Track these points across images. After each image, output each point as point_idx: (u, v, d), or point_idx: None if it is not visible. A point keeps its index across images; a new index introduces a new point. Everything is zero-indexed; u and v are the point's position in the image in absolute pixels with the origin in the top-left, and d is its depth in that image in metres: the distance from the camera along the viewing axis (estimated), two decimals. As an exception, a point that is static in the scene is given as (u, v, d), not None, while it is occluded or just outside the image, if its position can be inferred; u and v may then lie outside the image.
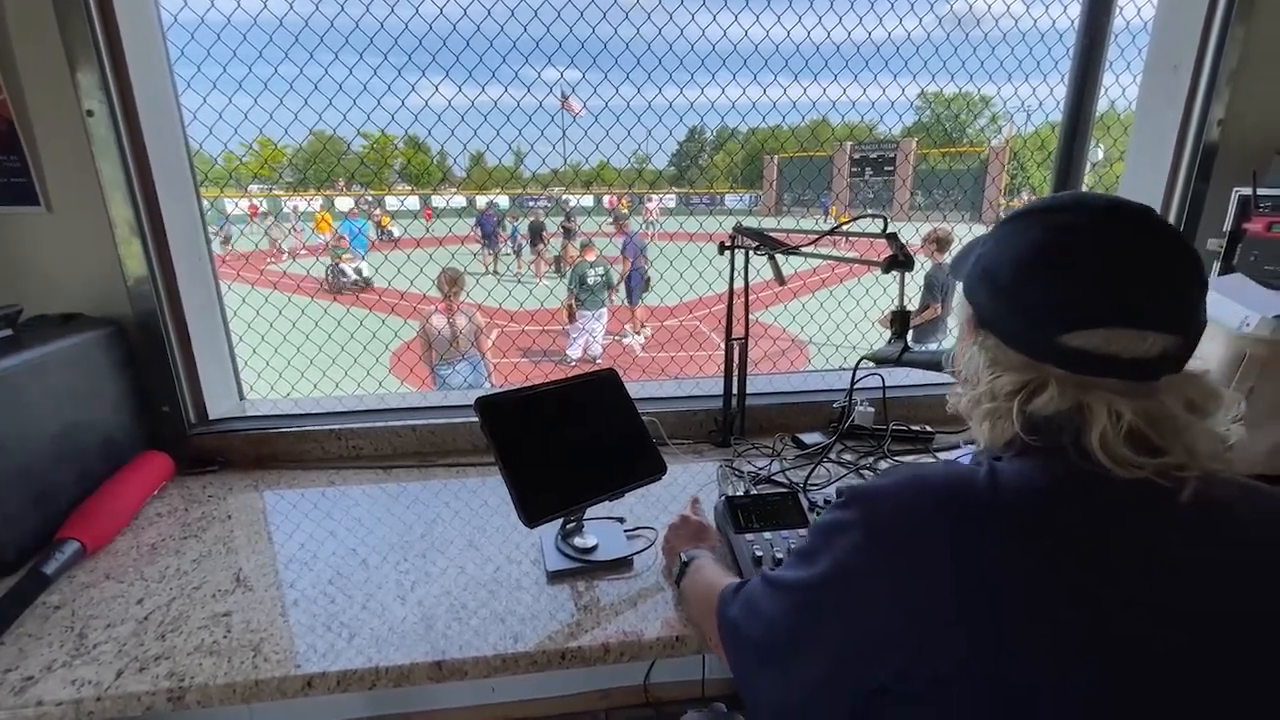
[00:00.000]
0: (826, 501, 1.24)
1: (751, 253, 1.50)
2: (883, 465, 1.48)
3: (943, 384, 1.56)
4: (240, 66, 1.98)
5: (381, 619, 0.98)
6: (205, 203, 1.68)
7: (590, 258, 6.66)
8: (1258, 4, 1.46)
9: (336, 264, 10.35)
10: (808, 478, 1.37)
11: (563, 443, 1.11)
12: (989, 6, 2.21)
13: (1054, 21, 2.18)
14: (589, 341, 6.98)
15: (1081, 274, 0.57)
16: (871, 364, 1.20)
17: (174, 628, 0.96)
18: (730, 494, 1.19)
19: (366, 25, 2.00)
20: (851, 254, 1.50)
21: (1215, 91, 1.53)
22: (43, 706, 0.82)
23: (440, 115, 2.30)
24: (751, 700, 0.69)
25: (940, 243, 5.06)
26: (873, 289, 2.90)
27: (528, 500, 1.00)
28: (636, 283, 7.48)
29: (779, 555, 1.03)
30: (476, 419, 1.05)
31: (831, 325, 3.19)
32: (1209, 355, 1.14)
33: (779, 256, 1.44)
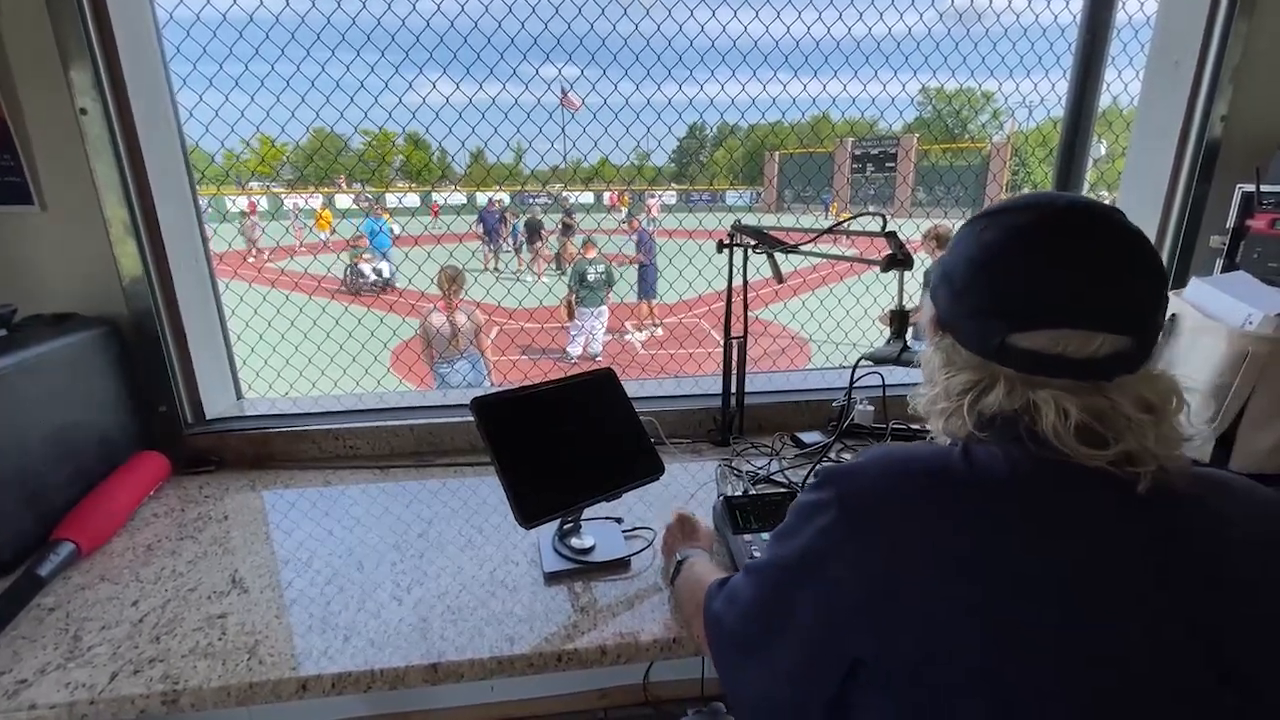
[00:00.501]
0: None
1: (750, 251, 1.49)
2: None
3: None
4: (237, 64, 1.97)
5: (378, 620, 0.97)
6: (203, 200, 1.67)
7: (590, 255, 6.65)
8: (1261, -1, 1.45)
9: (355, 264, 9.95)
10: (806, 477, 1.36)
11: (560, 443, 1.10)
12: (990, 1, 2.20)
13: (1055, 16, 2.17)
14: (589, 340, 6.98)
15: (1028, 275, 0.57)
16: (870, 363, 1.19)
17: (169, 630, 0.95)
18: (729, 494, 1.18)
19: (364, 22, 1.99)
20: (851, 251, 1.49)
21: (1218, 87, 1.51)
22: (36, 710, 0.82)
23: (438, 112, 2.29)
24: (733, 694, 0.68)
25: (940, 240, 5.04)
26: (873, 286, 2.89)
27: (523, 501, 1.00)
28: (652, 278, 7.44)
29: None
30: (473, 419, 1.05)
31: (831, 323, 3.18)
32: (1210, 355, 1.12)
33: (778, 255, 1.43)
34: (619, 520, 1.22)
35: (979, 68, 2.42)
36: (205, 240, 1.62)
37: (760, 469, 1.45)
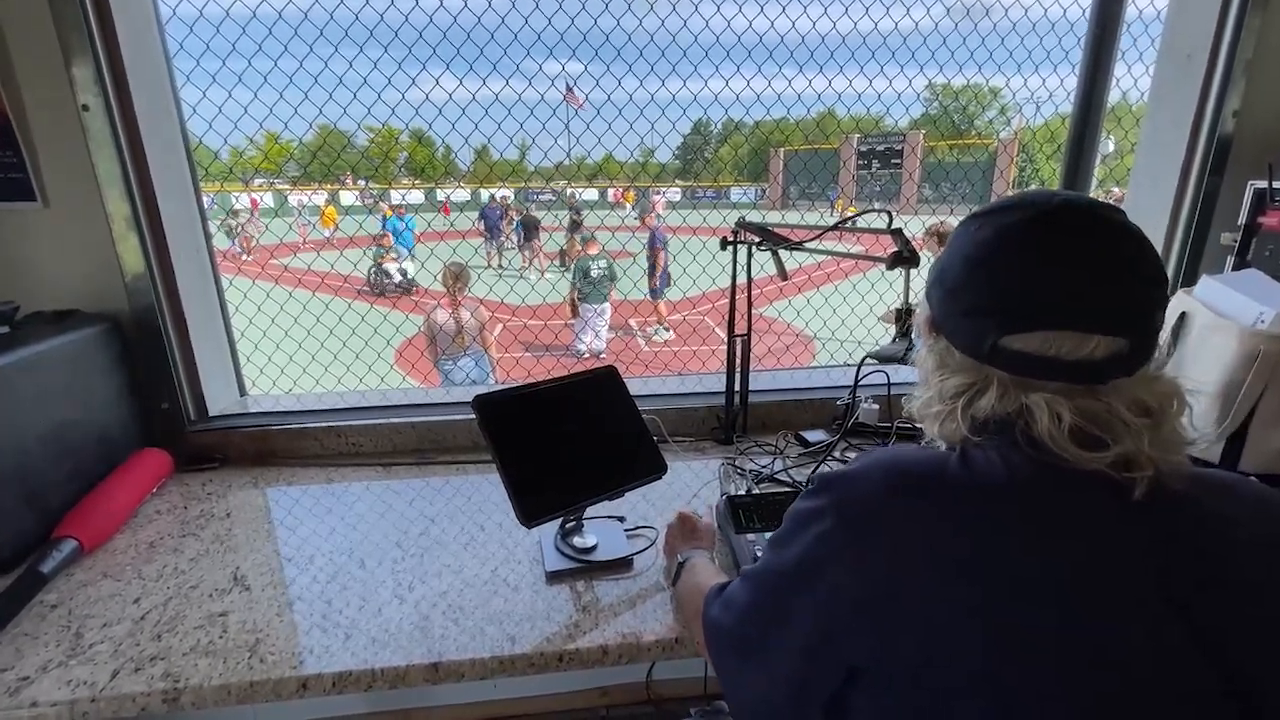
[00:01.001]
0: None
1: (755, 248, 1.47)
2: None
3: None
4: (240, 60, 1.96)
5: (379, 619, 0.97)
6: (207, 198, 1.67)
7: (593, 251, 6.66)
8: (1275, -9, 1.43)
9: (379, 264, 9.58)
10: (811, 476, 1.35)
11: (561, 441, 1.09)
12: (998, -4, 2.17)
13: (1065, 11, 2.14)
14: (593, 337, 6.98)
15: (1022, 274, 0.56)
16: (876, 362, 1.18)
17: (170, 628, 0.95)
18: (732, 493, 1.17)
19: (367, 18, 1.98)
20: (856, 249, 1.48)
21: (1230, 82, 1.49)
22: (37, 708, 0.82)
23: (441, 109, 2.28)
24: (733, 699, 0.68)
25: (942, 237, 5.02)
26: (879, 284, 2.87)
27: (525, 500, 0.99)
28: (662, 277, 7.37)
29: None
30: (474, 417, 1.04)
31: (836, 321, 3.17)
32: (1221, 354, 1.11)
33: (782, 252, 1.42)
34: (621, 519, 1.22)
35: (986, 63, 2.40)
36: (208, 236, 1.62)
37: (764, 468, 1.44)
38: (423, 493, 1.37)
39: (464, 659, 0.89)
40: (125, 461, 1.33)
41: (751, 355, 1.58)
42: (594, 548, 1.11)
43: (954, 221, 5.07)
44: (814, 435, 1.57)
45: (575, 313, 6.76)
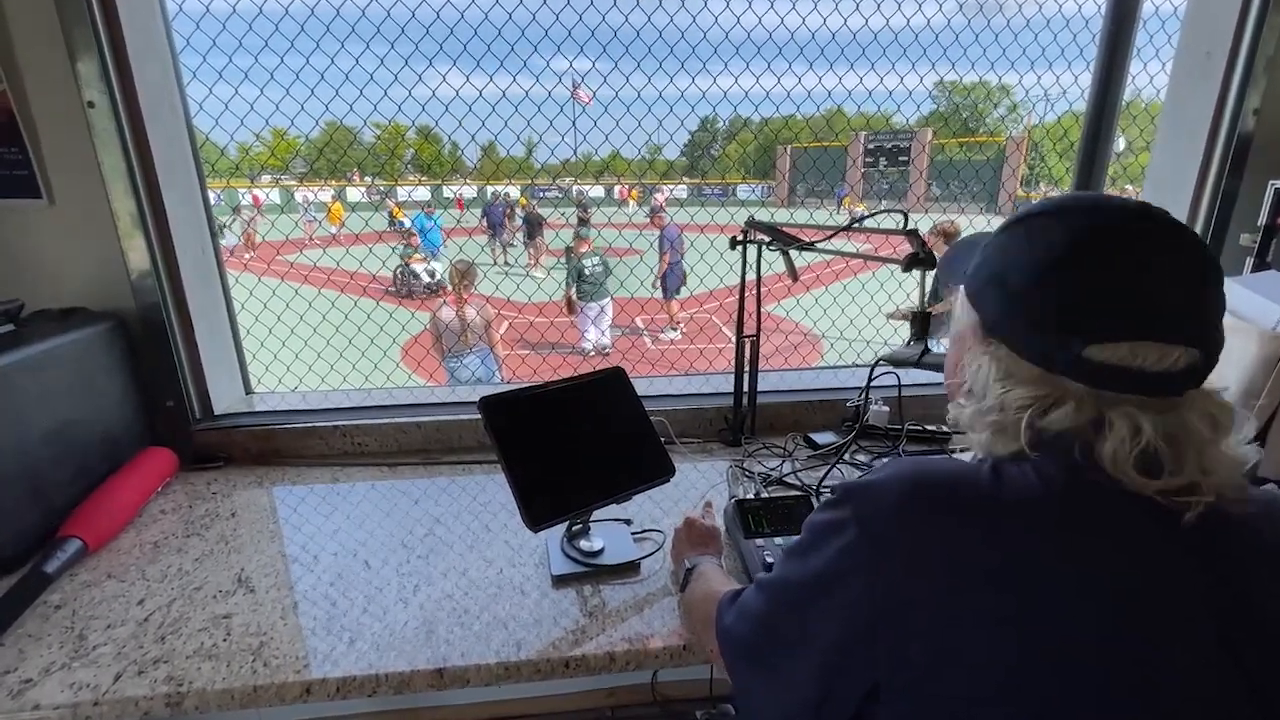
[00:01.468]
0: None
1: (764, 248, 1.45)
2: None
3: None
4: (246, 57, 1.95)
5: (382, 623, 0.96)
6: (213, 194, 1.66)
7: (584, 249, 6.64)
8: (1298, -13, 1.40)
9: (406, 264, 9.23)
10: (821, 480, 1.33)
11: (568, 443, 1.08)
12: (1012, -9, 2.14)
13: (1080, 7, 2.11)
14: (598, 334, 6.97)
15: (1111, 281, 0.53)
16: (890, 365, 1.16)
17: (174, 629, 0.94)
18: (740, 496, 1.16)
19: (373, 14, 1.97)
20: (867, 248, 1.45)
21: (1251, 79, 1.46)
22: (40, 711, 0.81)
23: (448, 105, 2.26)
24: (749, 713, 0.66)
25: (947, 235, 4.98)
26: (888, 283, 2.85)
27: (532, 503, 0.98)
28: (675, 276, 7.29)
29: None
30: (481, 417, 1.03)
31: (845, 320, 3.14)
32: (1240, 357, 1.08)
33: (792, 251, 1.40)
34: (628, 522, 1.20)
35: (999, 60, 2.36)
36: (213, 233, 1.61)
37: (772, 470, 1.42)
38: (428, 493, 1.36)
39: (469, 665, 0.88)
40: (130, 460, 1.33)
41: (760, 355, 1.56)
42: (600, 551, 1.09)
43: (961, 220, 5.03)
44: (823, 437, 1.55)
45: (572, 310, 6.76)
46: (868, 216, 1.10)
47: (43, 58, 1.22)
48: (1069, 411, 0.53)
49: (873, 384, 1.44)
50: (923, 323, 1.08)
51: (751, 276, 1.50)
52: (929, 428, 1.57)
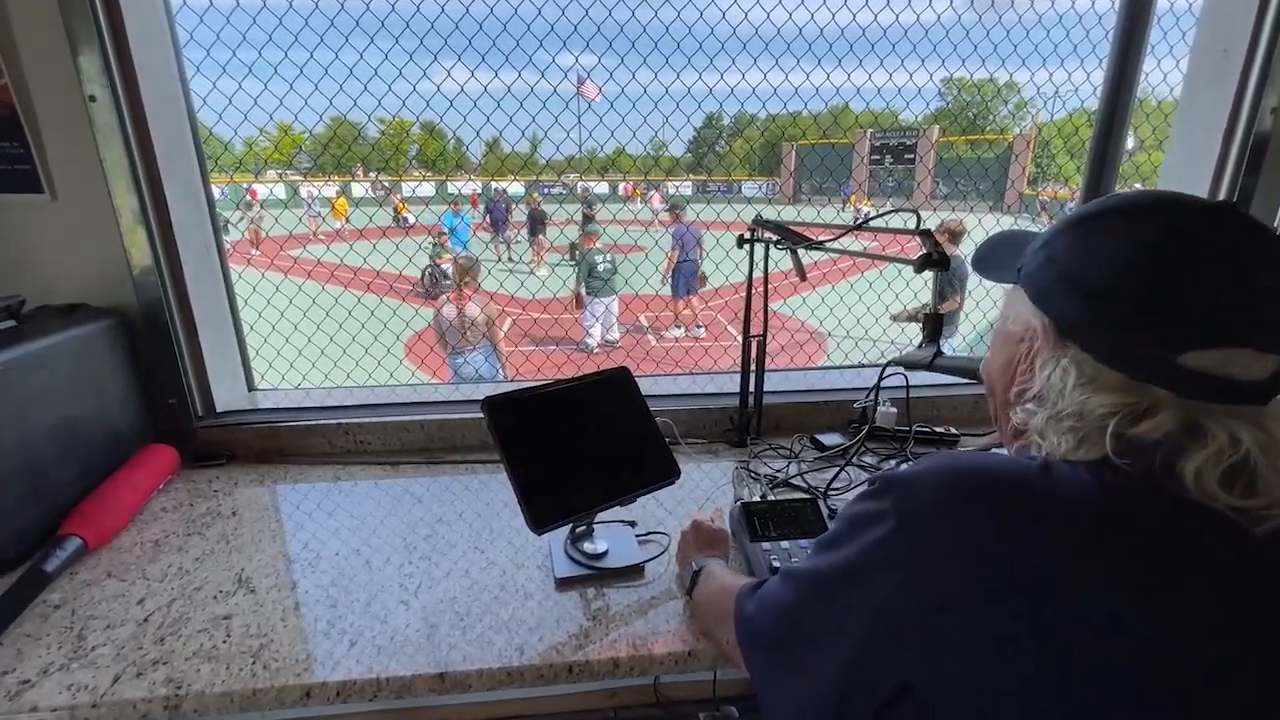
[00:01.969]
0: (847, 509, 1.19)
1: (772, 246, 1.43)
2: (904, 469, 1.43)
3: (974, 386, 1.50)
4: (250, 51, 1.94)
5: (384, 625, 0.95)
6: (218, 189, 1.65)
7: (592, 245, 6.67)
8: (1320, -18, 1.37)
9: (436, 264, 8.97)
10: (830, 483, 1.32)
11: (572, 445, 1.07)
12: (1023, -13, 2.11)
13: (1093, 2, 2.07)
14: (604, 330, 6.96)
15: (1207, 284, 0.50)
16: (900, 367, 1.14)
17: (173, 630, 0.93)
18: (746, 499, 1.14)
19: (378, 8, 1.95)
20: (874, 245, 1.43)
21: (1269, 78, 1.43)
22: (38, 713, 0.80)
23: (453, 101, 2.24)
24: (768, 706, 0.64)
25: (952, 234, 4.94)
26: (895, 282, 2.82)
27: (535, 505, 0.96)
28: (688, 274, 7.19)
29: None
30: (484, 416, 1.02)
31: (851, 320, 3.12)
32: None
33: (800, 250, 1.38)
34: (633, 524, 1.19)
35: (1010, 56, 2.33)
36: (217, 229, 1.60)
37: (778, 472, 1.40)
38: (430, 492, 1.35)
39: (471, 669, 0.87)
40: (132, 458, 1.32)
41: (766, 353, 1.55)
42: (605, 554, 1.08)
43: (959, 219, 4.98)
44: (830, 439, 1.53)
45: (580, 305, 6.76)
46: (877, 216, 1.08)
47: (44, 51, 1.21)
48: (1162, 421, 0.50)
49: (880, 385, 1.43)
50: (935, 325, 1.06)
51: (759, 275, 1.48)
52: (937, 429, 1.55)
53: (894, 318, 5.06)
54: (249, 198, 14.36)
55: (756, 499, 1.16)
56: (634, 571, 1.07)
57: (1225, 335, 0.49)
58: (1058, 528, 0.49)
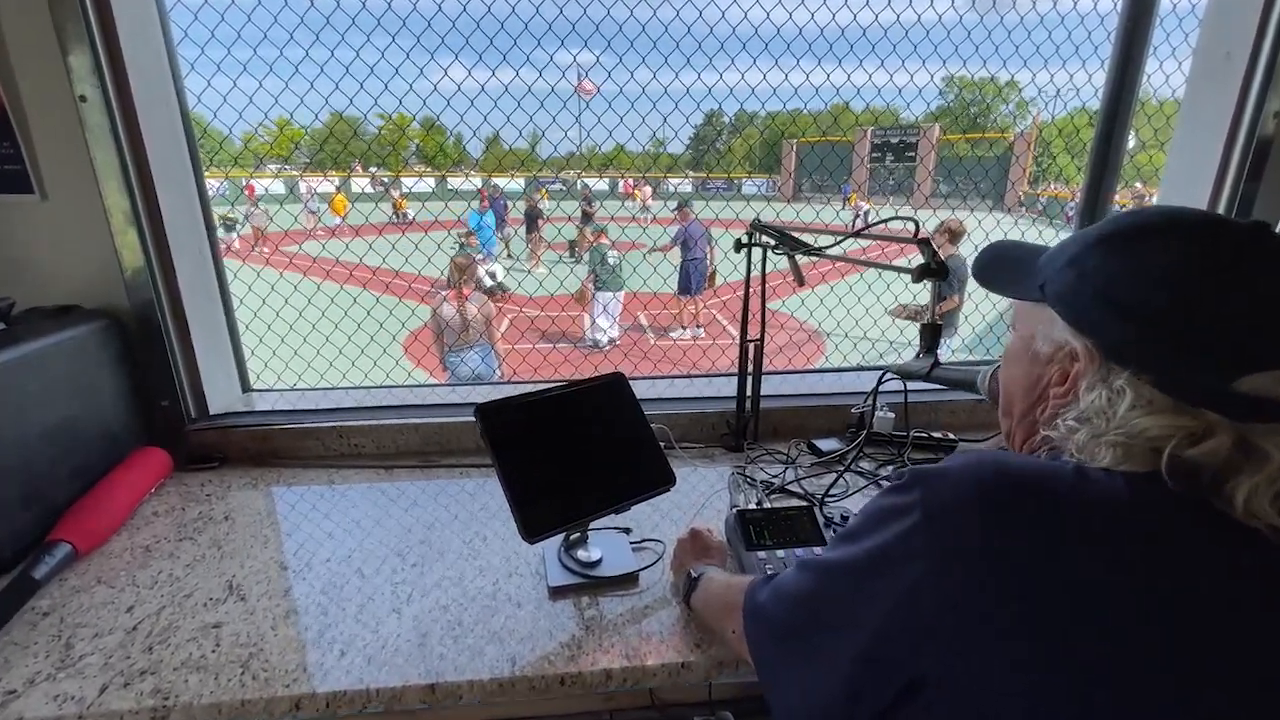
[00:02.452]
0: (844, 518, 1.18)
1: (770, 251, 1.42)
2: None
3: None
4: (245, 49, 1.92)
5: (375, 634, 0.94)
6: (216, 184, 1.63)
7: (604, 241, 6.69)
8: (1324, -14, 1.35)
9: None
10: (828, 490, 1.31)
11: (567, 451, 1.06)
12: (1025, -13, 2.10)
13: (1095, 3, 2.06)
14: (609, 324, 6.96)
15: (1260, 304, 0.49)
16: (896, 376, 1.13)
17: (162, 639, 0.92)
18: (742, 506, 1.13)
19: (374, 6, 1.93)
20: (875, 245, 1.42)
21: (1272, 82, 1.42)
22: (23, 723, 0.79)
23: (450, 100, 2.23)
24: (774, 699, 0.64)
25: (952, 234, 4.93)
26: (895, 284, 2.81)
27: (528, 514, 0.95)
28: (695, 274, 7.13)
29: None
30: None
31: (850, 321, 3.11)
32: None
33: (799, 255, 1.37)
34: (627, 531, 1.18)
35: (1012, 56, 2.31)
36: (212, 229, 1.58)
37: (775, 477, 1.39)
38: (425, 496, 1.34)
39: (462, 681, 0.86)
40: (124, 460, 1.31)
41: (764, 353, 1.54)
42: (599, 561, 1.07)
43: (959, 219, 4.96)
44: (827, 444, 1.52)
45: (585, 299, 6.76)
46: (877, 224, 1.07)
47: (34, 50, 1.20)
48: (1219, 445, 0.49)
49: (879, 390, 1.42)
50: (933, 335, 1.04)
51: (757, 279, 1.47)
52: (935, 434, 1.54)
53: (892, 315, 5.05)
54: (246, 194, 14.28)
55: (752, 506, 1.15)
56: (628, 580, 1.06)
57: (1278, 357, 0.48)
58: (1083, 532, 0.48)
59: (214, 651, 0.90)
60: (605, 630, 0.96)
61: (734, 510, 1.12)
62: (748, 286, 1.47)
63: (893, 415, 1.53)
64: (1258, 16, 1.42)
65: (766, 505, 1.20)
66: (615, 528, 1.18)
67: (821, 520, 1.10)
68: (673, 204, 7.58)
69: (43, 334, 1.18)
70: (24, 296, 1.25)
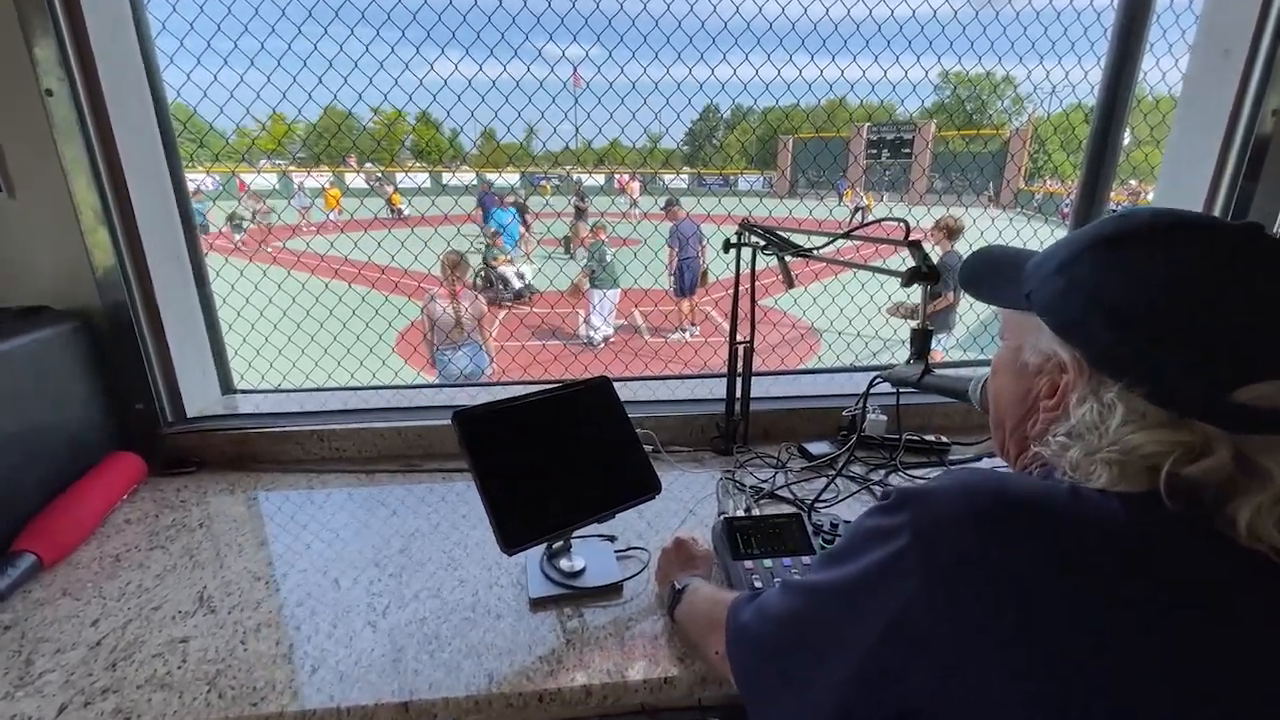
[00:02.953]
0: (833, 525, 1.15)
1: (760, 251, 1.39)
2: (894, 480, 1.39)
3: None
4: (225, 41, 1.88)
5: (348, 649, 0.91)
6: (211, 179, 1.59)
7: (600, 237, 6.65)
8: (1324, -18, 1.33)
9: (493, 267, 8.12)
10: (817, 497, 1.28)
11: (549, 458, 1.02)
12: (1022, -18, 2.07)
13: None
14: (602, 321, 6.93)
15: (1261, 311, 0.46)
16: (888, 383, 1.11)
17: (126, 655, 0.89)
18: (730, 514, 1.10)
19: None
20: (868, 244, 1.39)
21: (1270, 80, 1.39)
22: (-24, 746, 0.76)
23: (436, 95, 2.19)
24: None
25: (950, 231, 4.91)
26: (889, 283, 2.79)
27: (507, 525, 0.92)
28: (687, 273, 7.03)
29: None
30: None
31: (844, 319, 3.09)
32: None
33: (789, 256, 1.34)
34: (612, 539, 1.15)
35: (1007, 53, 2.29)
36: (191, 227, 1.54)
37: (764, 482, 1.37)
38: (405, 502, 1.31)
39: (436, 698, 0.83)
40: (95, 467, 1.27)
41: (754, 354, 1.51)
42: (582, 571, 1.04)
43: (957, 216, 4.94)
44: (818, 447, 1.49)
45: (580, 294, 6.74)
46: (865, 225, 1.04)
47: (-4, 41, 1.15)
48: (1219, 461, 0.46)
49: (870, 392, 1.39)
50: (923, 341, 1.02)
51: (747, 278, 1.44)
52: (927, 438, 1.52)
53: (889, 313, 5.03)
54: (254, 187, 14.11)
55: (740, 513, 1.12)
56: (612, 590, 1.03)
57: (1277, 366, 0.46)
58: (1080, 546, 0.46)
59: (180, 668, 0.87)
60: (587, 643, 0.93)
61: (721, 518, 1.09)
62: (737, 287, 1.44)
63: (885, 418, 1.51)
64: (1256, 12, 1.39)
65: (755, 512, 1.17)
66: (600, 535, 1.15)
67: (810, 528, 1.07)
68: (662, 200, 7.52)
69: (9, 336, 1.14)
70: (-10, 297, 1.21)
